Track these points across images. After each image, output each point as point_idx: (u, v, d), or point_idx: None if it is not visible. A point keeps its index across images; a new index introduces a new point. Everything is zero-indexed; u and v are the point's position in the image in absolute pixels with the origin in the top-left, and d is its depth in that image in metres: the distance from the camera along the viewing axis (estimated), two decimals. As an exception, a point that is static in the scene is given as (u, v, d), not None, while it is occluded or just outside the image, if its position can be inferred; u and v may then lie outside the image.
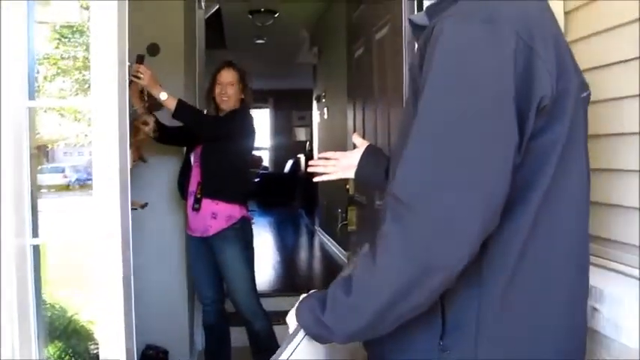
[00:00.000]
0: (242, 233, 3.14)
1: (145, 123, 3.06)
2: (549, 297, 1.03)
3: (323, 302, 1.04)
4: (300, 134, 14.44)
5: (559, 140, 1.00)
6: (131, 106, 2.75)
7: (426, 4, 1.20)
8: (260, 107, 14.30)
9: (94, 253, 1.49)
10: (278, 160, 13.98)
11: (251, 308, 3.15)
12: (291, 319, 1.13)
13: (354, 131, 3.11)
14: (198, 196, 3.08)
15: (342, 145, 4.11)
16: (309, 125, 12.29)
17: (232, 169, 3.14)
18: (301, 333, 1.10)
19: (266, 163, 14.46)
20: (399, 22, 2.24)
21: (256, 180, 12.15)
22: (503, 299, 0.99)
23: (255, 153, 14.34)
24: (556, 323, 1.04)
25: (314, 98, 8.83)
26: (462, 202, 0.90)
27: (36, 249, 1.61)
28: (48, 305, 3.85)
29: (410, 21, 1.25)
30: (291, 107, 14.29)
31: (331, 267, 6.04)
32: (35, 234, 1.59)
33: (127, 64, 1.61)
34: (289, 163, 12.48)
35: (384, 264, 0.93)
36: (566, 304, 1.06)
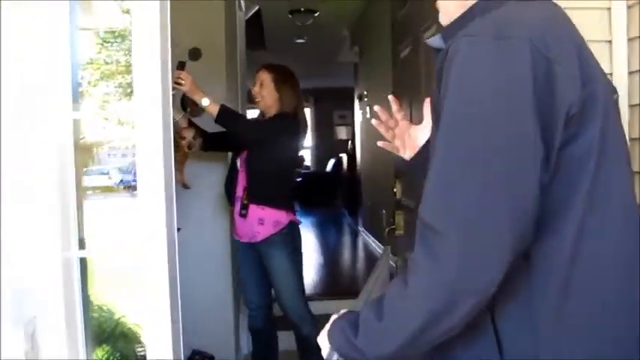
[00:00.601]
0: (290, 238, 3.11)
1: (182, 137, 3.02)
2: (604, 308, 0.99)
3: (355, 325, 1.05)
4: (342, 133, 14.39)
5: (593, 145, 0.98)
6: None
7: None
8: (301, 106, 14.32)
9: (139, 255, 1.48)
10: (320, 159, 13.94)
11: (299, 312, 3.13)
12: (323, 340, 1.16)
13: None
14: (245, 201, 3.05)
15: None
16: (351, 124, 12.22)
17: (277, 174, 3.12)
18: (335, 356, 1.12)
19: (308, 162, 14.43)
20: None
21: (298, 180, 12.13)
22: (556, 317, 0.97)
23: (297, 153, 14.32)
24: (615, 332, 1.00)
25: (356, 97, 8.76)
26: (488, 225, 0.90)
27: (82, 260, 1.59)
28: (96, 307, 3.89)
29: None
30: (332, 106, 14.23)
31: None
32: (82, 244, 1.58)
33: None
34: (331, 162, 12.44)
35: (414, 289, 0.95)
36: (624, 312, 1.01)
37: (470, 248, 0.89)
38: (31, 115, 1.46)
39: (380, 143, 1.60)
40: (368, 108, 7.31)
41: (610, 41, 1.90)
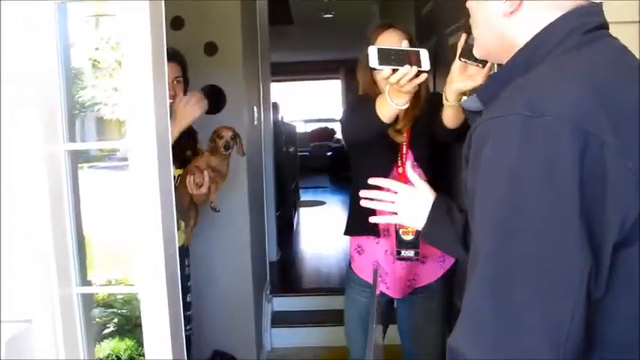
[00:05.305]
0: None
1: (220, 135, 2.49)
2: None
3: None
4: (373, 105, 14.06)
5: None
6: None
7: None
8: (330, 78, 14.03)
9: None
10: (351, 133, 13.67)
11: None
12: None
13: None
14: (412, 238, 2.04)
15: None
16: (382, 96, 11.91)
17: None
18: None
19: (338, 135, 14.22)
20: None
21: (328, 154, 11.97)
22: None
23: (327, 125, 14.18)
24: None
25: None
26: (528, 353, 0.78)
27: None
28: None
29: (463, 109, 1.09)
30: (363, 78, 13.89)
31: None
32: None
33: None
34: (362, 135, 12.20)
35: None
36: None
37: None
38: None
39: (374, 219, 1.58)
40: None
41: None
